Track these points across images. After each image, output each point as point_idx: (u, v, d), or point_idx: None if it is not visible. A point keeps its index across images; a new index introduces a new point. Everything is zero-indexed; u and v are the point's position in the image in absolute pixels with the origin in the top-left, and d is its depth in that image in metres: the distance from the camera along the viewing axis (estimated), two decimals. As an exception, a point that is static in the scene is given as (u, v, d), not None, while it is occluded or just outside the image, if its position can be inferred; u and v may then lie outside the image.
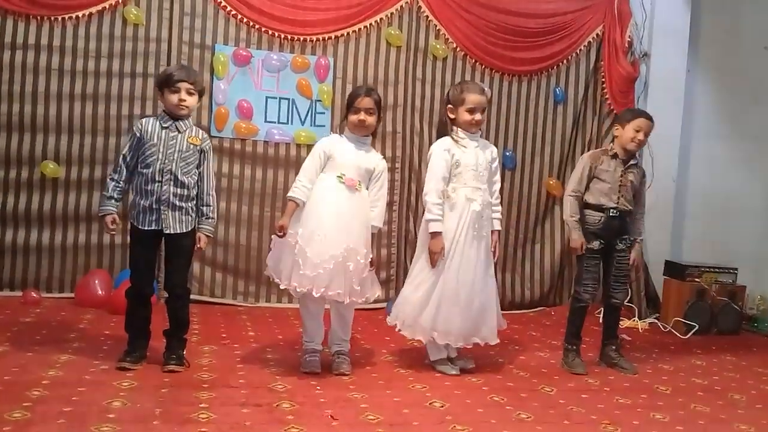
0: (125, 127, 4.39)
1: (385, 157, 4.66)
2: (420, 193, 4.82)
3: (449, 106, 3.37)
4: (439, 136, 3.43)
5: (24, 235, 4.34)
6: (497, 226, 3.44)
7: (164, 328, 3.10)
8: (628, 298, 4.99)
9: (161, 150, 3.00)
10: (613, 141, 3.66)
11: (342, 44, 4.71)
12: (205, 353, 3.33)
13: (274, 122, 4.64)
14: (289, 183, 4.64)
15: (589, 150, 5.07)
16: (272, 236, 3.23)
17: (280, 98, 4.64)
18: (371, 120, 3.20)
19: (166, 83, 3.02)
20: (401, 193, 4.85)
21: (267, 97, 4.62)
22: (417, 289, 3.29)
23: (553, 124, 5.08)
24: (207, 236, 3.13)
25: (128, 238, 3.12)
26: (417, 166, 4.83)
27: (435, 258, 3.23)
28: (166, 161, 3.00)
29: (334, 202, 3.12)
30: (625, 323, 4.70)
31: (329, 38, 4.69)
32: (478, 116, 3.30)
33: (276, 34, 4.61)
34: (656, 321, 4.88)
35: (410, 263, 3.73)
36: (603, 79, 5.09)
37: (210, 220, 3.13)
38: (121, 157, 3.05)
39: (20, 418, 2.30)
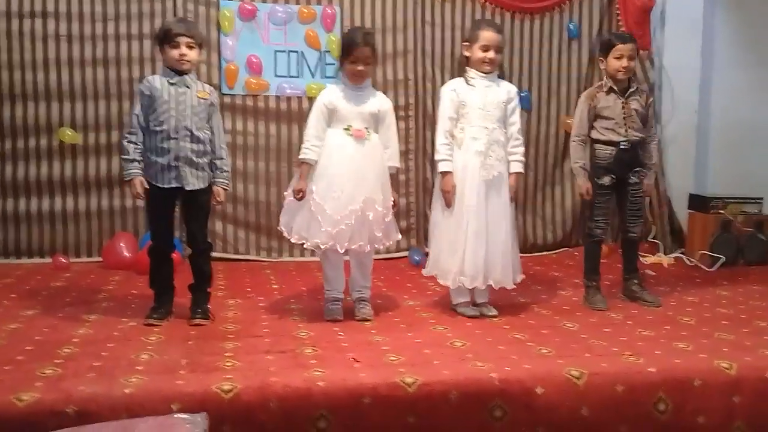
0: (137, 90, 4.38)
1: (397, 105, 4.70)
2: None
3: (465, 43, 3.31)
4: (459, 76, 3.37)
5: (49, 203, 4.43)
6: (516, 168, 3.31)
7: (189, 284, 3.16)
8: (653, 234, 4.96)
9: (173, 107, 2.98)
10: (604, 76, 3.55)
11: (348, -9, 4.64)
12: (230, 306, 3.39)
13: (285, 76, 4.61)
14: (303, 137, 4.64)
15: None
16: (285, 195, 3.25)
17: (289, 51, 4.60)
18: (369, 69, 3.17)
19: (165, 38, 2.99)
20: (416, 141, 4.82)
21: (276, 51, 4.58)
22: (437, 236, 3.32)
23: (568, 61, 4.97)
24: (224, 189, 3.14)
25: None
26: (431, 113, 4.77)
27: (448, 197, 3.23)
28: (180, 117, 2.99)
29: (346, 155, 3.11)
30: (649, 259, 4.67)
31: (335, -14, 4.62)
32: (491, 54, 3.23)
33: (281, -15, 4.55)
34: (681, 255, 4.83)
35: (429, 210, 3.74)
36: (618, 11, 4.94)
37: (225, 173, 3.13)
38: (134, 117, 3.02)
39: (52, 374, 2.38)
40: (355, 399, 2.33)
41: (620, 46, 3.44)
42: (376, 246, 3.22)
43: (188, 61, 3.00)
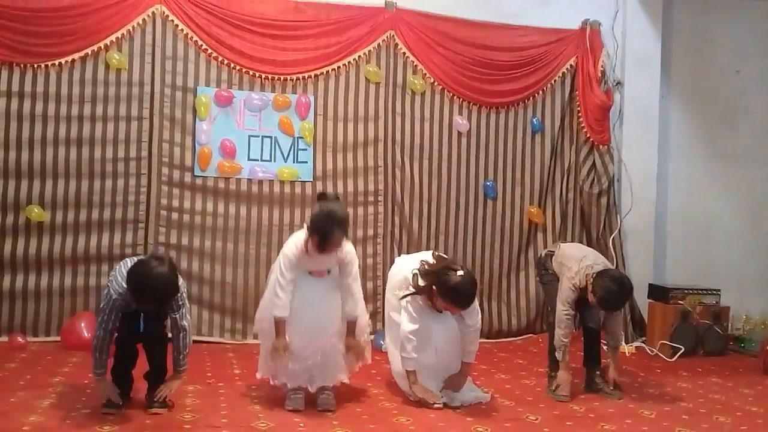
0: (109, 170, 4.48)
1: (367, 191, 4.83)
2: (403, 225, 4.88)
3: (434, 288, 3.22)
4: (414, 279, 3.31)
5: (10, 280, 4.36)
6: None
7: (145, 372, 3.11)
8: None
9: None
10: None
11: (322, 82, 4.80)
12: (189, 393, 3.33)
13: (257, 160, 4.70)
14: (273, 219, 4.73)
15: (567, 178, 5.18)
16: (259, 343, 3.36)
17: (263, 136, 4.71)
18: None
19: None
20: (384, 226, 4.90)
21: (249, 136, 4.69)
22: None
23: (531, 153, 5.16)
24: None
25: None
26: (399, 199, 4.90)
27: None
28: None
29: (308, 295, 3.21)
30: (611, 348, 4.71)
31: (309, 77, 4.78)
32: (450, 313, 3.30)
33: (257, 74, 4.70)
34: (643, 345, 4.90)
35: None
36: (578, 109, 5.19)
37: (183, 369, 3.09)
38: (106, 331, 2.94)
39: (0, 466, 2.30)
40: (312, 495, 2.29)
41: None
42: (349, 371, 3.34)
43: None
